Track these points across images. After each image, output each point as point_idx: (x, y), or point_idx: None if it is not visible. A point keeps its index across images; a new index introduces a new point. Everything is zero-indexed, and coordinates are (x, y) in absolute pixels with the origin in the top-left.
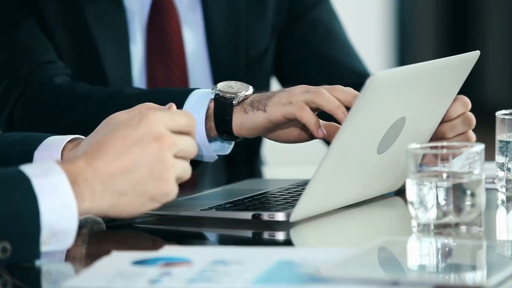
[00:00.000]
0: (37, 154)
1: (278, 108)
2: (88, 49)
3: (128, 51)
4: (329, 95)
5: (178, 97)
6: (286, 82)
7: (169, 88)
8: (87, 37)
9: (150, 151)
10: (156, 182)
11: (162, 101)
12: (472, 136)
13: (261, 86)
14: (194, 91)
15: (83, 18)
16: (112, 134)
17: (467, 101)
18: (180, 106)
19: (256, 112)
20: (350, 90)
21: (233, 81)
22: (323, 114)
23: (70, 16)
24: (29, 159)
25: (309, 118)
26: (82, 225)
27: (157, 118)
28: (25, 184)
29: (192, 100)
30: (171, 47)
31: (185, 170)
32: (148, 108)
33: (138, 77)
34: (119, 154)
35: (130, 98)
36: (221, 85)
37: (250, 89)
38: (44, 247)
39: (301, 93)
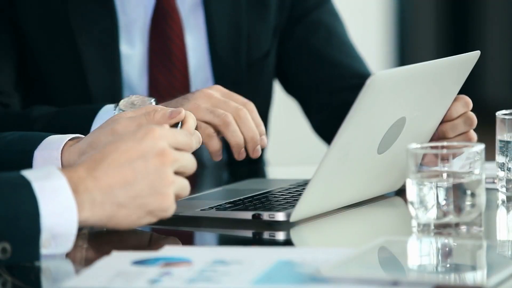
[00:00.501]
0: (37, 153)
1: None
2: (72, 60)
3: (117, 62)
4: (234, 128)
5: (86, 117)
6: (288, 84)
7: (76, 107)
8: (71, 48)
9: (152, 166)
10: (155, 196)
11: (68, 122)
12: (473, 136)
13: (264, 88)
14: (103, 108)
15: (69, 27)
16: (116, 146)
17: (468, 101)
18: (89, 124)
19: None
20: (252, 126)
21: (135, 96)
22: (323, 113)
23: (54, 27)
24: (29, 158)
25: (214, 147)
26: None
27: (161, 134)
28: (26, 187)
29: (101, 118)
30: (174, 52)
31: (183, 188)
32: (153, 120)
33: (138, 82)
34: (121, 166)
35: (35, 121)
36: (123, 104)
37: (153, 103)
38: (43, 250)
39: (207, 112)
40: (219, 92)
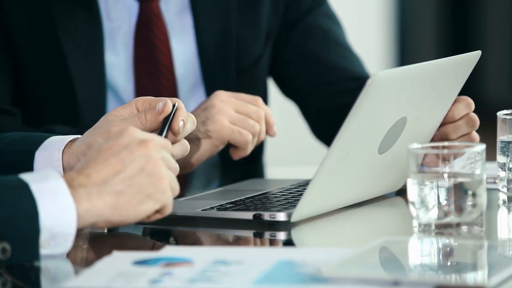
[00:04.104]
0: (38, 154)
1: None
2: (57, 65)
3: (102, 68)
4: (251, 146)
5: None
6: (285, 88)
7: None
8: (57, 53)
9: (138, 153)
10: (149, 178)
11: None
12: (476, 137)
13: (257, 93)
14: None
15: (55, 33)
16: (98, 149)
17: (470, 102)
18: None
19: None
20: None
21: None
22: (322, 117)
23: (40, 31)
24: (30, 159)
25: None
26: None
27: (136, 129)
28: (24, 188)
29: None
30: (160, 59)
31: (174, 181)
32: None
33: (124, 89)
34: (108, 160)
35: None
36: None
37: None
38: (43, 250)
39: (231, 133)
40: (230, 105)
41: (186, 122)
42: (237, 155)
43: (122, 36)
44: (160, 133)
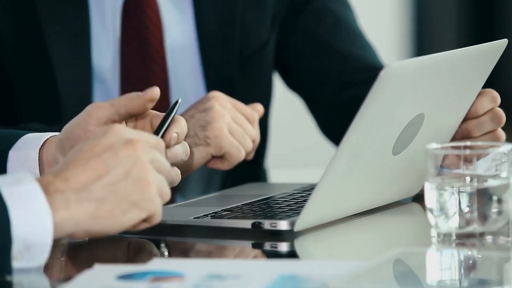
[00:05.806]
0: (12, 153)
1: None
2: (38, 51)
3: (88, 55)
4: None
5: None
6: (291, 79)
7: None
8: (38, 41)
9: (123, 154)
10: (135, 183)
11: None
12: (502, 134)
13: (262, 83)
14: None
15: (35, 16)
16: (79, 149)
17: (495, 96)
18: None
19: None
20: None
21: None
22: (331, 111)
23: (20, 13)
24: (3, 159)
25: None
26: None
27: (123, 127)
28: None
29: None
30: (149, 40)
31: (164, 185)
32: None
33: (109, 71)
34: (90, 162)
35: None
36: None
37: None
38: (15, 263)
39: (229, 144)
40: (228, 112)
41: (181, 137)
42: (215, 166)
43: (112, 12)
44: (156, 133)
